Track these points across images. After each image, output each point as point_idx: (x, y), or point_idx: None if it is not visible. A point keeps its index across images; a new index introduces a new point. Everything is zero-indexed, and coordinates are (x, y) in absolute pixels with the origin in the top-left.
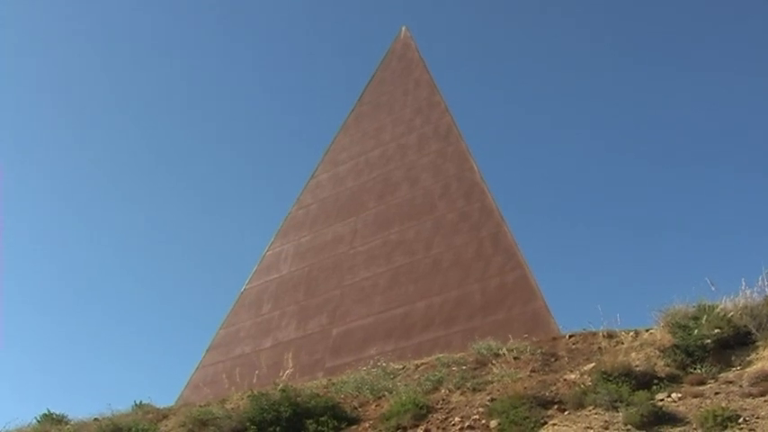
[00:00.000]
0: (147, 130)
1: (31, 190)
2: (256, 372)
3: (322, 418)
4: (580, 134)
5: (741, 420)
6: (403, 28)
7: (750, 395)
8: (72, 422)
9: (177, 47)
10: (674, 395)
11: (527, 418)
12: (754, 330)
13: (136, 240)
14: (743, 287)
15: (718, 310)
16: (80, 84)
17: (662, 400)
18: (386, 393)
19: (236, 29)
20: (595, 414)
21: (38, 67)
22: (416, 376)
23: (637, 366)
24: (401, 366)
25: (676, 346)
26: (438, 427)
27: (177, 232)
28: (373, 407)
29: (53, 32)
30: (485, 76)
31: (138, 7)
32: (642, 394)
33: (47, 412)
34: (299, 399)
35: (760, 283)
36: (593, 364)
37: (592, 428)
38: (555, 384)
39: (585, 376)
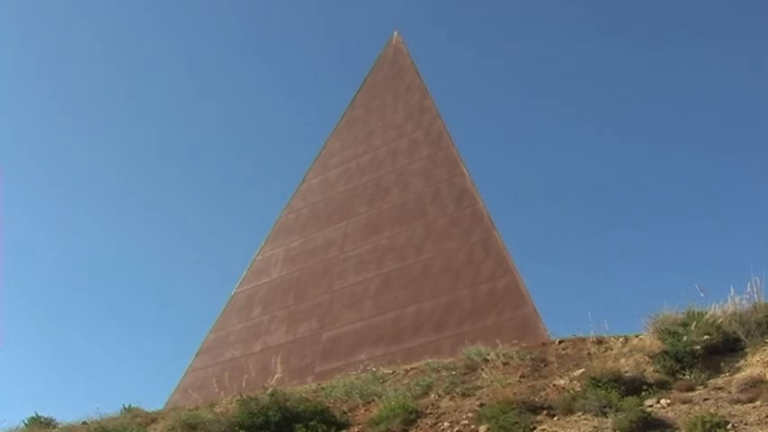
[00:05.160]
0: (138, 126)
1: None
2: (245, 376)
3: (311, 423)
4: (573, 136)
5: (729, 427)
6: (395, 33)
7: (739, 401)
8: (60, 425)
9: (177, 45)
10: (663, 401)
11: (516, 423)
12: (742, 337)
13: (126, 242)
14: (732, 294)
15: (707, 316)
16: (82, 80)
17: (651, 405)
18: (375, 398)
19: (228, 32)
20: (584, 420)
21: (41, 63)
22: (406, 381)
23: (626, 372)
24: (391, 371)
25: (665, 353)
26: None
27: (163, 234)
28: (363, 411)
29: (57, 29)
30: (476, 81)
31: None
32: (631, 400)
33: (34, 416)
34: (288, 403)
35: (749, 289)
36: (582, 370)
37: None
38: (544, 390)
39: (575, 382)
